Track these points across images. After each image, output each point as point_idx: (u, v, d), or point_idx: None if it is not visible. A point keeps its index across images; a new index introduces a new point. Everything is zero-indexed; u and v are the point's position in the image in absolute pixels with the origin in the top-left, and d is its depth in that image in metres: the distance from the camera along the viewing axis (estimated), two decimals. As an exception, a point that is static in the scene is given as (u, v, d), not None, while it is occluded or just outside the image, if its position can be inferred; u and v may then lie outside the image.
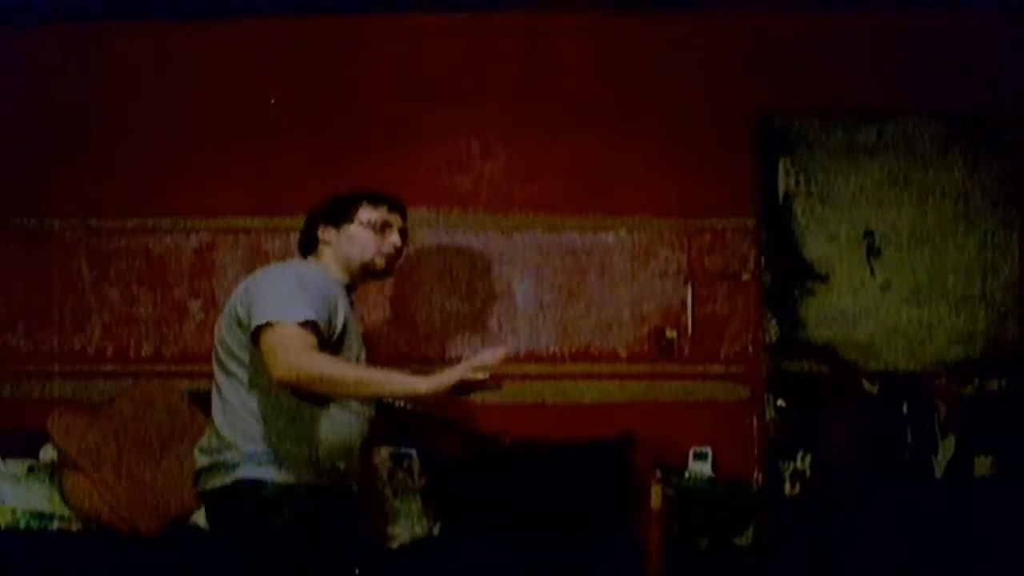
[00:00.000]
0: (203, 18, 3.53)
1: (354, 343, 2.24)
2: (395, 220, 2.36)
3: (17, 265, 3.56)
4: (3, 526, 2.90)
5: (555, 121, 3.55)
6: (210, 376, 2.24)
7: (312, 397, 2.10)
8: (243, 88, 3.58)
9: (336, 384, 2.03)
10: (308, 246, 2.36)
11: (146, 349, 3.53)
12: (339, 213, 2.33)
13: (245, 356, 2.13)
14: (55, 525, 2.94)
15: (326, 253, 2.32)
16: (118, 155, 3.56)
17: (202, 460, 2.17)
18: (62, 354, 3.53)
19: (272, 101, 3.56)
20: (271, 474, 2.09)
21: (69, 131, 3.57)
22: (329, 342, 2.12)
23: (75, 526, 2.94)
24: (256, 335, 2.05)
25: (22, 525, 2.92)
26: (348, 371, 2.07)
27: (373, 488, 2.96)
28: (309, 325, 2.04)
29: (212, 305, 3.52)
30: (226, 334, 2.17)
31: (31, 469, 3.10)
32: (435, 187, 3.53)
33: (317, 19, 3.55)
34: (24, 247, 3.56)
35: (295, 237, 3.43)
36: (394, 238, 2.35)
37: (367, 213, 2.32)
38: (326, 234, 2.32)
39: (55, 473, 3.03)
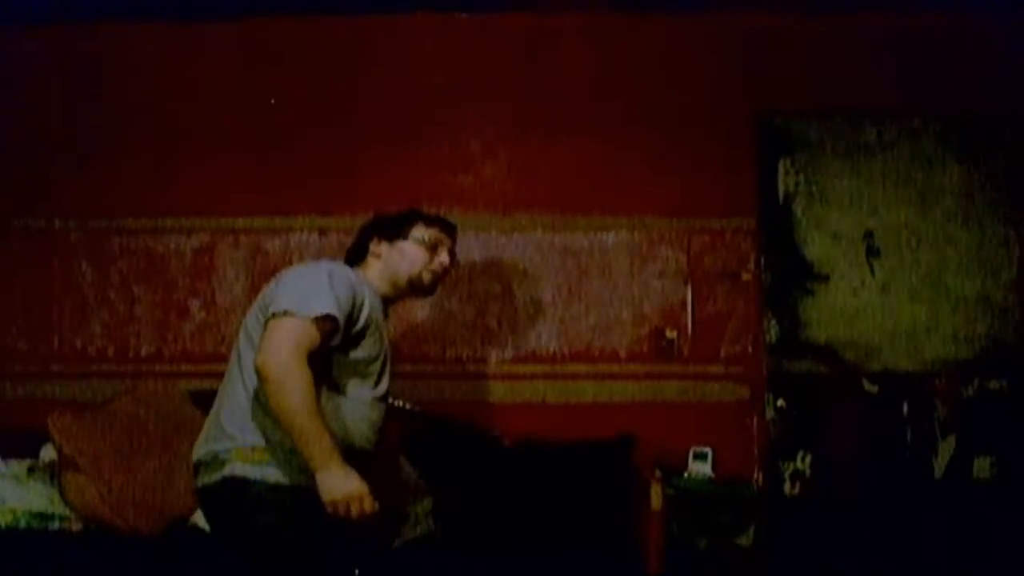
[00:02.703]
0: (203, 18, 3.53)
1: (375, 346, 2.23)
2: (446, 241, 2.42)
3: (17, 265, 3.56)
4: (3, 526, 2.90)
5: (555, 121, 3.55)
6: (211, 376, 2.23)
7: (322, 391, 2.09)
8: (243, 88, 3.58)
9: (285, 408, 1.97)
10: (357, 257, 2.40)
11: (146, 349, 3.53)
12: (393, 228, 2.38)
13: None
14: (55, 525, 2.93)
15: (373, 265, 2.36)
16: (118, 155, 3.56)
17: (198, 452, 2.16)
18: (62, 354, 3.53)
19: (272, 101, 3.56)
20: (261, 473, 2.06)
21: (69, 131, 3.57)
22: (347, 334, 2.13)
23: (75, 526, 2.93)
24: (267, 321, 2.06)
25: (22, 525, 2.92)
26: (305, 408, 1.97)
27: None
28: (323, 320, 2.05)
29: (212, 305, 3.52)
30: (252, 323, 2.17)
31: (31, 469, 3.10)
32: (435, 187, 3.53)
33: (317, 19, 3.56)
34: (24, 247, 3.56)
35: (295, 237, 3.51)
36: (443, 257, 2.41)
37: (420, 231, 2.38)
38: (378, 247, 2.37)
39: (55, 473, 3.02)
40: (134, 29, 3.57)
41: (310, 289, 2.08)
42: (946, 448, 3.40)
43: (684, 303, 3.51)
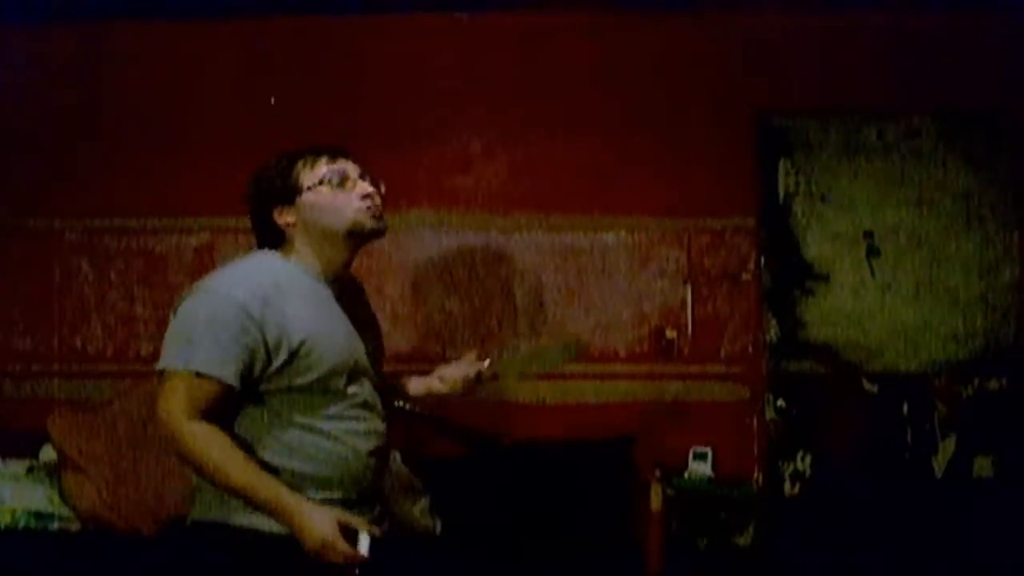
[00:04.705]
0: (203, 18, 3.53)
1: (326, 353, 1.85)
2: (347, 166, 1.94)
3: (17, 265, 3.56)
4: (3, 526, 2.90)
5: (555, 121, 3.55)
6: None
7: (296, 424, 1.84)
8: (243, 88, 3.58)
9: (209, 475, 1.76)
10: (271, 238, 1.96)
11: (146, 349, 3.53)
12: (282, 188, 1.92)
13: None
14: (55, 525, 2.94)
15: (298, 240, 1.92)
16: (118, 155, 3.56)
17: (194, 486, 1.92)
18: (62, 354, 3.53)
19: (272, 101, 3.56)
20: (234, 519, 1.81)
21: (69, 131, 3.57)
22: (270, 365, 1.81)
23: (75, 526, 2.93)
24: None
25: (22, 525, 2.92)
26: (226, 466, 1.75)
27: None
28: (207, 377, 1.76)
29: (212, 305, 3.52)
30: None
31: (31, 469, 3.11)
32: (435, 187, 3.53)
33: (318, 19, 3.55)
34: (24, 247, 3.56)
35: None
36: (361, 185, 1.93)
37: (309, 174, 1.91)
38: (285, 216, 1.92)
39: (55, 473, 3.03)
40: (134, 29, 3.57)
41: (190, 337, 1.77)
42: (946, 448, 3.40)
43: (684, 303, 3.51)
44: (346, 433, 1.88)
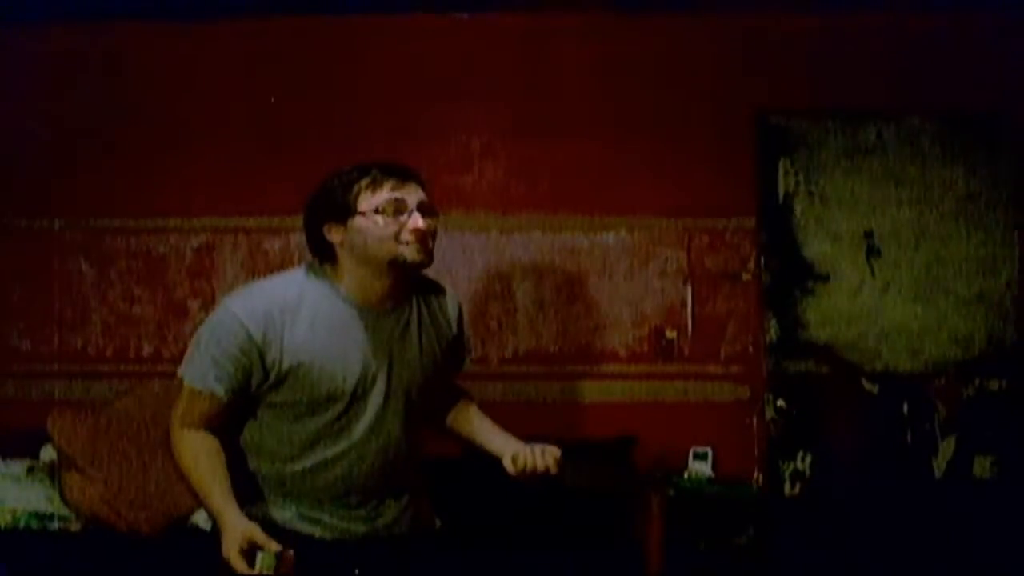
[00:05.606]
0: (203, 18, 3.53)
1: (319, 378, 1.87)
2: (409, 194, 1.90)
3: (17, 265, 3.56)
4: (3, 526, 2.90)
5: (555, 121, 3.55)
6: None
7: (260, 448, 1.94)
8: (243, 88, 3.58)
9: (184, 477, 1.87)
10: (323, 252, 1.94)
11: (146, 349, 3.53)
12: (339, 205, 1.88)
13: None
14: (55, 525, 2.93)
15: (343, 261, 1.91)
16: (118, 155, 3.56)
17: None
18: (62, 354, 3.53)
19: (272, 101, 3.56)
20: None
21: (69, 131, 3.57)
22: (265, 382, 1.87)
23: (75, 526, 2.93)
24: None
25: (22, 525, 2.92)
26: (194, 471, 1.84)
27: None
28: (205, 392, 1.86)
29: (212, 305, 3.50)
30: None
31: (31, 469, 3.10)
32: (435, 187, 3.49)
33: (317, 19, 3.55)
34: (24, 247, 3.56)
35: (295, 237, 3.51)
36: (414, 220, 1.88)
37: (368, 199, 1.87)
38: (334, 234, 1.90)
39: (55, 473, 3.03)
40: (134, 29, 3.57)
41: (197, 352, 1.87)
42: (946, 448, 3.40)
43: (684, 303, 3.51)
44: (313, 455, 1.92)
